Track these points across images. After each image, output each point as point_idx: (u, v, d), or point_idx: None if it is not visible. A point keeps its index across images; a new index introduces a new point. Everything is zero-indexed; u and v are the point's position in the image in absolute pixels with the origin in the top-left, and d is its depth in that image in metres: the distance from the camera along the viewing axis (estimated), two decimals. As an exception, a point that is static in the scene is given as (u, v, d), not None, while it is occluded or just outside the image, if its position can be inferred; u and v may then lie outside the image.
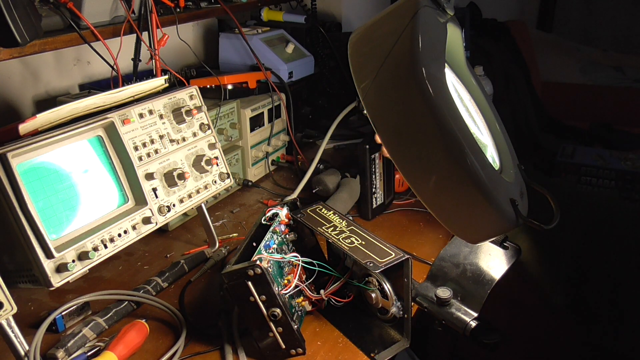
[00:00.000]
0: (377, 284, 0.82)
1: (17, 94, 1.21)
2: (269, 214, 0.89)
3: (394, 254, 0.77)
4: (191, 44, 1.46)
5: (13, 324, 0.73)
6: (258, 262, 0.73)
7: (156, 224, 0.89)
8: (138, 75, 1.17)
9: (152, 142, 0.90)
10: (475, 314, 0.78)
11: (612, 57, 3.60)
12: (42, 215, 0.72)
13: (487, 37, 2.90)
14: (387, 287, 0.81)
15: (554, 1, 3.87)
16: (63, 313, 0.85)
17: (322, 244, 0.96)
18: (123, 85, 1.09)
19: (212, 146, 1.01)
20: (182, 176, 0.92)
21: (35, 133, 0.75)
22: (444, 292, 0.81)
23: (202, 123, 1.00)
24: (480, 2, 2.75)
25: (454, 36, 0.79)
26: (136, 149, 0.87)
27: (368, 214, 1.19)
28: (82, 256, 0.77)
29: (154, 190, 0.90)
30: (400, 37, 0.67)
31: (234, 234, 1.15)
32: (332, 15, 1.94)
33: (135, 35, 1.15)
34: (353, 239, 0.82)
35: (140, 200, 0.88)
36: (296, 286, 0.83)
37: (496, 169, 0.77)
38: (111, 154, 0.86)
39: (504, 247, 0.83)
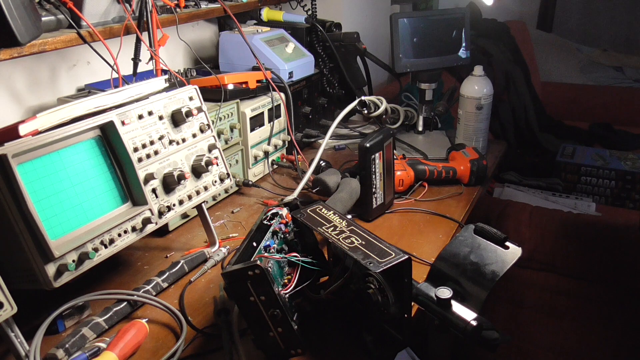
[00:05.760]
0: (377, 284, 0.82)
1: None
2: (269, 214, 0.89)
3: (394, 254, 0.77)
4: (191, 44, 1.46)
5: (13, 324, 0.73)
6: (258, 262, 0.73)
7: (156, 224, 0.89)
8: (138, 75, 1.17)
9: (151, 143, 0.90)
10: (475, 314, 0.78)
11: (612, 57, 3.60)
12: (42, 215, 0.72)
13: (487, 37, 2.90)
14: (387, 287, 0.81)
15: (554, 1, 3.87)
16: (63, 313, 0.85)
17: (322, 244, 0.96)
18: (123, 85, 1.09)
19: (212, 147, 1.01)
20: (182, 177, 0.92)
21: (36, 133, 0.75)
22: (443, 292, 0.81)
23: (202, 123, 1.00)
24: (480, 2, 2.75)
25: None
26: (136, 150, 0.87)
27: (368, 214, 1.19)
28: (82, 257, 0.77)
29: (154, 190, 0.89)
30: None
31: (234, 234, 1.15)
32: (332, 15, 1.94)
33: (135, 35, 1.15)
34: (353, 239, 0.82)
35: (140, 201, 0.88)
36: (296, 286, 0.83)
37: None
38: (111, 155, 0.86)
39: (505, 247, 0.83)
